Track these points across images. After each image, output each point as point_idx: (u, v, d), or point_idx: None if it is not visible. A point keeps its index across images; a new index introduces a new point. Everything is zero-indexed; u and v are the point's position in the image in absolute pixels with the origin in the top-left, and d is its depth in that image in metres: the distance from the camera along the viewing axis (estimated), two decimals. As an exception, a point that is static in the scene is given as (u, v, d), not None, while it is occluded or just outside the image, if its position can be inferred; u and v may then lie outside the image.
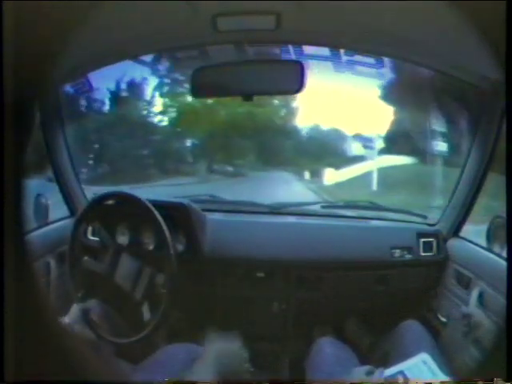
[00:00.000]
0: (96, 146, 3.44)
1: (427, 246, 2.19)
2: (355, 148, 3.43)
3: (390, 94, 2.74)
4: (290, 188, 3.54)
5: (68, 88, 2.35)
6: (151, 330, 1.83)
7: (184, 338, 2.13)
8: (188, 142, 3.70)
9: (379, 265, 2.20)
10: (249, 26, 1.74)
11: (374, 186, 3.40)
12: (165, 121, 3.55)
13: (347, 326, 2.31)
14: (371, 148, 3.31)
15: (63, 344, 0.97)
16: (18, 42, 0.86)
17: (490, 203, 2.14)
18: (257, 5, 1.59)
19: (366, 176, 3.42)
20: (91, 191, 2.41)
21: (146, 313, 1.87)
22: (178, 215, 2.08)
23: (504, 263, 1.65)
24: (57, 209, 2.23)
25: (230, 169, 3.83)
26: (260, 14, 1.65)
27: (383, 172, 3.38)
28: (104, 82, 2.99)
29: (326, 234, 2.28)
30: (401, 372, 1.27)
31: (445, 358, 1.65)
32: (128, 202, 1.97)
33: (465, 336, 1.74)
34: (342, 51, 2.29)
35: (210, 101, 3.37)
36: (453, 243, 2.16)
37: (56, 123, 2.22)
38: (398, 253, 2.18)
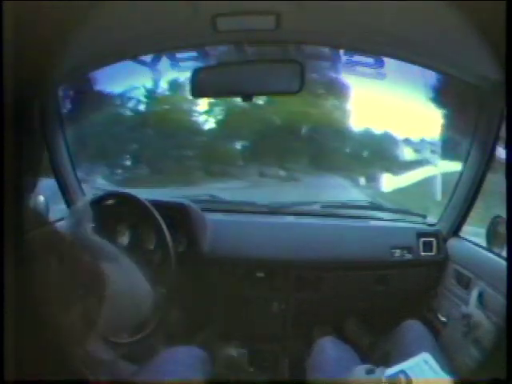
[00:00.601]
0: (134, 146, 3.34)
1: (427, 246, 2.19)
2: (413, 152, 3.19)
3: (439, 97, 2.65)
4: (345, 194, 3.19)
5: (68, 88, 2.35)
6: (151, 330, 1.83)
7: (184, 338, 2.14)
8: (237, 144, 3.46)
9: (379, 265, 2.20)
10: (248, 26, 1.74)
11: (438, 195, 2.96)
12: (212, 121, 3.39)
13: (347, 326, 2.30)
14: (432, 152, 3.03)
15: (63, 344, 0.97)
16: (18, 42, 0.86)
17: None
18: (256, 5, 1.59)
19: (427, 182, 3.09)
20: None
21: (146, 313, 1.87)
22: (177, 215, 2.08)
23: (504, 263, 1.65)
24: (57, 209, 2.23)
25: (282, 173, 3.51)
26: (260, 14, 1.65)
27: (446, 178, 2.94)
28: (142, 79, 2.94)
29: (325, 233, 2.28)
30: (402, 371, 1.27)
31: (445, 357, 1.65)
32: (128, 202, 1.97)
33: (465, 336, 1.74)
34: (341, 51, 2.28)
35: (260, 101, 3.21)
36: (453, 243, 2.17)
37: (56, 123, 2.22)
38: (397, 253, 2.18)
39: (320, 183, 3.36)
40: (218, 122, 3.39)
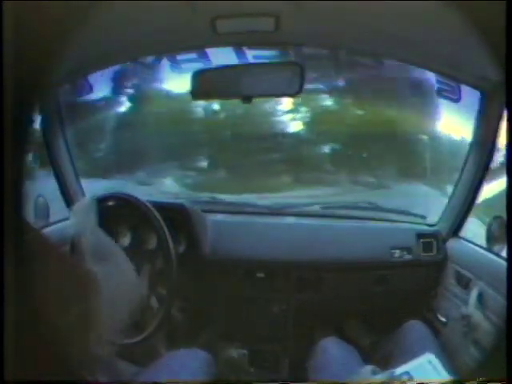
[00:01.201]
0: (211, 147, 3.12)
1: (427, 247, 2.19)
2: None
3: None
4: (435, 206, 2.65)
5: (68, 89, 2.35)
6: (152, 331, 1.83)
7: (185, 339, 2.14)
8: (326, 148, 3.15)
9: (379, 265, 2.20)
10: (248, 27, 1.74)
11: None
12: (298, 122, 3.13)
13: (347, 326, 2.31)
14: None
15: (63, 344, 0.97)
16: (18, 42, 0.86)
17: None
18: (256, 7, 1.59)
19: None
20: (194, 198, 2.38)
21: (147, 314, 1.87)
22: (178, 216, 2.08)
23: (504, 263, 1.65)
24: (57, 210, 2.23)
25: (373, 180, 3.13)
26: (259, 15, 1.65)
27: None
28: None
29: (325, 234, 2.28)
30: (406, 373, 1.27)
31: (445, 358, 1.65)
32: (128, 204, 1.97)
33: (464, 336, 1.74)
34: (341, 52, 2.28)
35: (348, 99, 3.07)
36: (452, 243, 2.17)
37: (56, 123, 2.22)
38: (397, 253, 2.18)
39: (409, 192, 3.03)
40: (305, 124, 3.14)
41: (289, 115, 3.12)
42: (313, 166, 3.12)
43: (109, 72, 2.68)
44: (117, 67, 2.48)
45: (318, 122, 3.15)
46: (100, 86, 2.62)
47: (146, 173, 2.96)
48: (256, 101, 2.86)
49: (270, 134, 3.12)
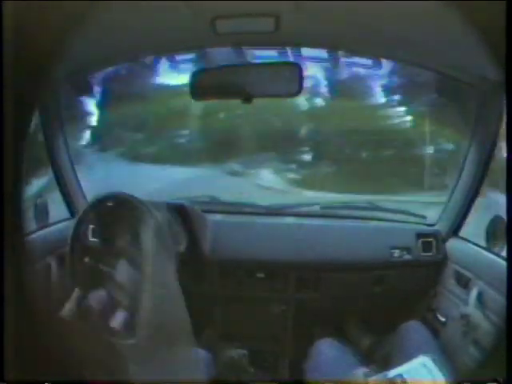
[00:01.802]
0: (315, 139, 2.84)
1: (426, 246, 2.19)
2: None
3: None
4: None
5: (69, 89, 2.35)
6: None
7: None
8: (431, 149, 2.84)
9: (378, 265, 2.20)
10: (248, 28, 1.74)
11: None
12: (407, 120, 2.86)
13: (347, 326, 2.31)
14: None
15: (63, 344, 0.97)
16: (18, 42, 0.86)
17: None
18: (256, 7, 1.59)
19: None
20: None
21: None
22: (178, 216, 2.08)
23: (503, 263, 1.65)
24: (57, 210, 2.23)
25: None
26: (259, 16, 1.65)
27: None
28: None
29: (325, 234, 2.28)
30: (400, 375, 1.27)
31: (444, 357, 1.65)
32: (128, 204, 1.97)
33: (464, 336, 1.74)
34: (341, 53, 2.28)
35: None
36: (452, 243, 2.17)
37: (56, 124, 2.22)
38: (397, 253, 2.18)
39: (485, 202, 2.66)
40: (414, 120, 2.87)
41: (400, 109, 2.87)
42: (423, 168, 2.88)
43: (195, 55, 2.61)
44: (204, 52, 2.41)
45: (428, 120, 2.87)
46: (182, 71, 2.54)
47: (238, 163, 2.84)
48: (354, 93, 2.72)
49: (379, 129, 2.91)
